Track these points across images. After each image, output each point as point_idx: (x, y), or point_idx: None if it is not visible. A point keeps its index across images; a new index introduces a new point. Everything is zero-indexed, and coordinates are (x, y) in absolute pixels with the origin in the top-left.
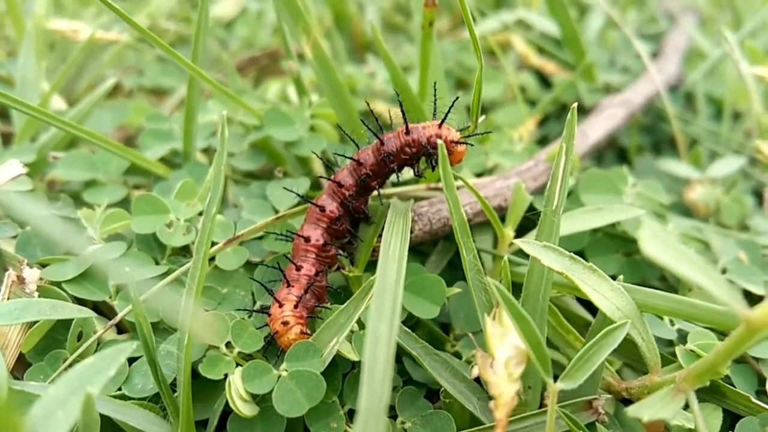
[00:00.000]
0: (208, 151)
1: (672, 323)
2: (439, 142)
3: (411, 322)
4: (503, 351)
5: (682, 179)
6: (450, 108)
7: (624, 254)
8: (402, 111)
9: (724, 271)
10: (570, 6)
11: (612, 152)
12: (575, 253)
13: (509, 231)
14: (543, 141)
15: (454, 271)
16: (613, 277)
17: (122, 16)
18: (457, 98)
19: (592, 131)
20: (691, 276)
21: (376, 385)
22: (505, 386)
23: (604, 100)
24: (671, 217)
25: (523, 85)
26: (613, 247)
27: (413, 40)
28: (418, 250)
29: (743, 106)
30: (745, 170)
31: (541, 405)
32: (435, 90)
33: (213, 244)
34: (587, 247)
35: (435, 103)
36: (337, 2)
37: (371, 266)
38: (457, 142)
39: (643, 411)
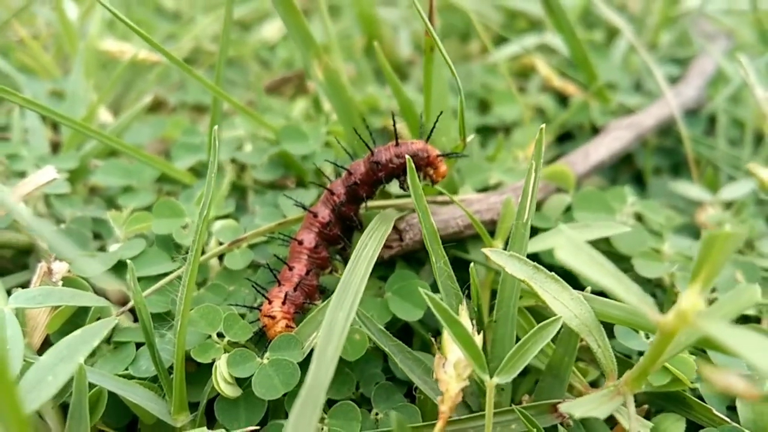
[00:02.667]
0: (235, 162)
1: (647, 336)
2: (407, 157)
3: (399, 324)
4: (454, 353)
5: (697, 201)
6: (433, 127)
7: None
8: (394, 127)
9: (713, 290)
10: (598, 29)
11: (627, 173)
12: None
13: (498, 243)
14: (557, 160)
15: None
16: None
17: (143, 37)
18: (439, 116)
19: (595, 152)
20: (603, 282)
21: (323, 368)
22: (452, 384)
23: (612, 122)
24: (670, 236)
25: (543, 107)
26: None
27: (442, 63)
28: (415, 258)
29: (766, 130)
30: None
31: (519, 403)
32: (437, 111)
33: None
34: None
35: (435, 124)
36: (371, 26)
37: None
38: (429, 161)
39: (576, 408)
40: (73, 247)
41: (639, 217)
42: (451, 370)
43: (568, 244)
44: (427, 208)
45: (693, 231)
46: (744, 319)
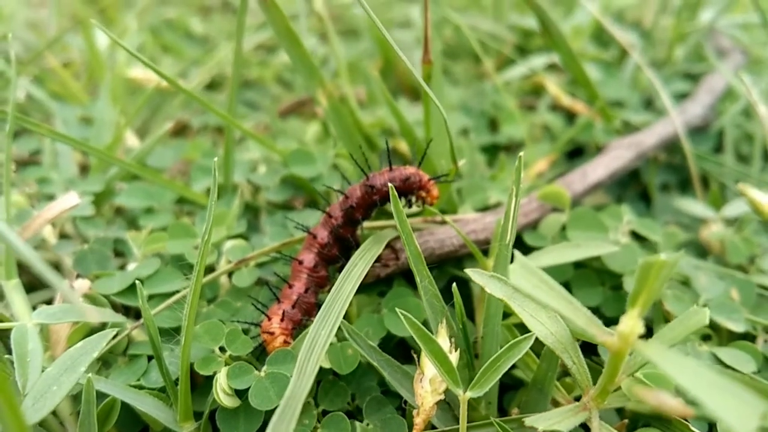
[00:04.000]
0: (250, 183)
1: None
2: (390, 185)
3: (396, 339)
4: (431, 369)
5: (702, 219)
6: (424, 152)
7: (610, 288)
8: (387, 152)
9: (705, 306)
10: (612, 47)
11: (634, 190)
12: (561, 284)
13: (491, 262)
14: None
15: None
16: (596, 309)
17: (152, 69)
18: (430, 142)
19: (593, 172)
20: (552, 304)
21: (302, 380)
22: (427, 398)
23: (613, 142)
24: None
25: (550, 125)
26: (599, 281)
27: (457, 83)
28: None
29: None
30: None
31: (506, 414)
32: (437, 134)
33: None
34: (572, 279)
35: (426, 150)
36: (387, 48)
37: (363, 288)
38: (422, 185)
39: (541, 422)
40: (94, 265)
41: (638, 236)
42: (427, 385)
43: (520, 269)
44: (411, 232)
45: (697, 248)
46: (742, 337)
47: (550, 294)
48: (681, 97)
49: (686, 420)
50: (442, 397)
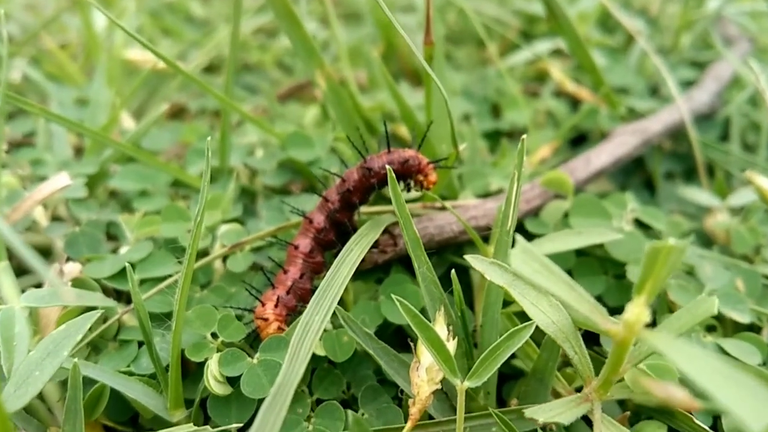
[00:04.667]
0: (247, 166)
1: None
2: (388, 167)
3: (393, 327)
4: (427, 358)
5: (706, 208)
6: (424, 135)
7: (613, 276)
8: (386, 134)
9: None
10: (618, 33)
11: (639, 178)
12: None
13: (491, 248)
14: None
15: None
16: (598, 298)
17: (149, 49)
18: (430, 125)
19: (597, 158)
20: (554, 290)
21: (294, 367)
22: (423, 388)
23: (618, 128)
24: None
25: (553, 111)
26: (602, 269)
27: (460, 68)
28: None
29: None
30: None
31: (505, 405)
32: (438, 118)
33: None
34: (574, 267)
35: (425, 133)
36: (388, 32)
37: (360, 274)
38: (420, 169)
39: (541, 413)
40: (85, 249)
41: (642, 224)
42: (423, 374)
43: (522, 254)
44: (410, 217)
45: (702, 237)
46: (749, 328)
47: (552, 280)
48: (687, 84)
49: (690, 413)
50: (439, 386)
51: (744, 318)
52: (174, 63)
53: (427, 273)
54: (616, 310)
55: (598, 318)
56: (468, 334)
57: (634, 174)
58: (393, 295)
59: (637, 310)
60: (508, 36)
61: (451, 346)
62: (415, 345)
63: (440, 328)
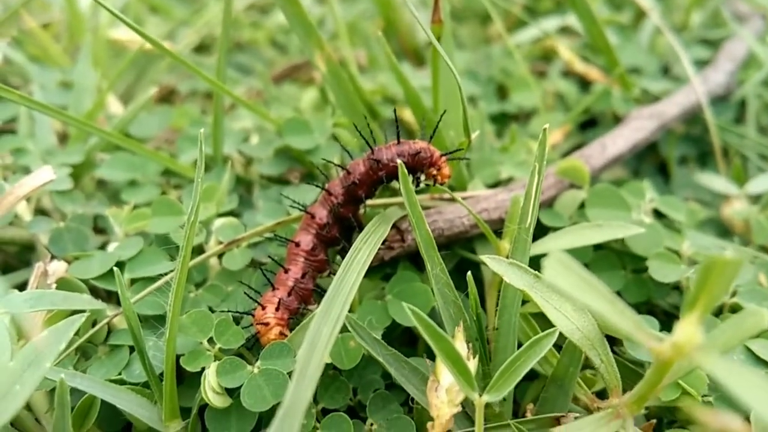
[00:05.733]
0: (242, 154)
1: None
2: (399, 161)
3: (402, 327)
4: (447, 378)
5: (723, 194)
6: (437, 125)
7: (632, 271)
8: (396, 123)
9: (734, 294)
10: (626, 10)
11: (651, 163)
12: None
13: (505, 244)
14: (576, 150)
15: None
16: (618, 293)
17: (134, 29)
18: (443, 114)
19: (613, 144)
20: (594, 306)
21: (302, 387)
22: (444, 409)
23: (633, 112)
24: (691, 234)
25: (563, 93)
26: (620, 263)
27: (462, 47)
28: (420, 257)
29: None
30: None
31: (522, 415)
32: (446, 102)
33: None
34: (591, 262)
35: (438, 122)
36: (388, 9)
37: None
38: (432, 162)
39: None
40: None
41: (659, 213)
42: (443, 395)
43: (557, 264)
44: (422, 216)
45: (719, 226)
46: None
47: (591, 295)
48: (700, 64)
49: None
50: (460, 409)
51: None
52: (162, 45)
53: (441, 275)
54: (635, 307)
55: (642, 336)
56: (483, 336)
57: (647, 159)
58: (406, 304)
59: (689, 329)
60: (513, 12)
61: (472, 365)
62: (433, 362)
63: (460, 344)
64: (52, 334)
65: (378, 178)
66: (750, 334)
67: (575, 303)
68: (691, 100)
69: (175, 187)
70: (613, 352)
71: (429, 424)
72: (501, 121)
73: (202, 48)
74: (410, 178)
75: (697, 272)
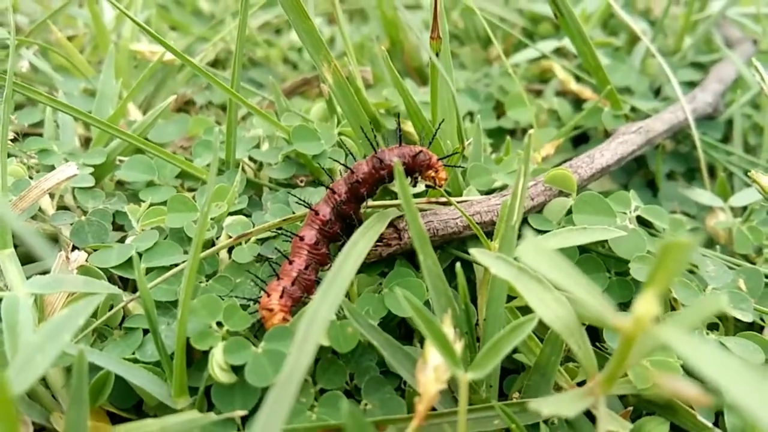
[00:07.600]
0: (253, 160)
1: None
2: (396, 160)
3: (398, 319)
4: (435, 357)
5: (708, 208)
6: (435, 132)
7: (615, 273)
8: (398, 129)
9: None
10: (621, 33)
11: (641, 177)
12: None
13: (495, 244)
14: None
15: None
16: None
17: (158, 40)
18: (441, 123)
19: (600, 156)
20: (563, 284)
21: (300, 359)
22: (430, 386)
23: (621, 127)
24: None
25: (557, 110)
26: (605, 266)
27: (464, 66)
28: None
29: None
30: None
31: (508, 397)
32: (444, 116)
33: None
34: (577, 264)
35: (436, 132)
36: (393, 29)
37: (364, 267)
38: (430, 165)
39: (545, 406)
40: (91, 237)
41: (645, 222)
42: (431, 373)
43: (532, 249)
44: (416, 211)
45: (703, 237)
46: (748, 327)
47: (561, 274)
48: (690, 85)
49: (692, 409)
50: (445, 386)
51: (747, 317)
52: (183, 55)
53: (433, 267)
54: (618, 307)
55: (607, 312)
56: (471, 327)
57: (636, 173)
58: (398, 290)
59: (647, 304)
60: (513, 34)
61: (459, 347)
62: (422, 343)
63: (447, 328)
64: (72, 311)
65: (380, 177)
66: (708, 315)
67: (555, 294)
68: (678, 117)
69: (189, 189)
70: (595, 347)
71: (416, 399)
72: (498, 135)
73: (217, 63)
74: (408, 180)
75: (657, 252)
